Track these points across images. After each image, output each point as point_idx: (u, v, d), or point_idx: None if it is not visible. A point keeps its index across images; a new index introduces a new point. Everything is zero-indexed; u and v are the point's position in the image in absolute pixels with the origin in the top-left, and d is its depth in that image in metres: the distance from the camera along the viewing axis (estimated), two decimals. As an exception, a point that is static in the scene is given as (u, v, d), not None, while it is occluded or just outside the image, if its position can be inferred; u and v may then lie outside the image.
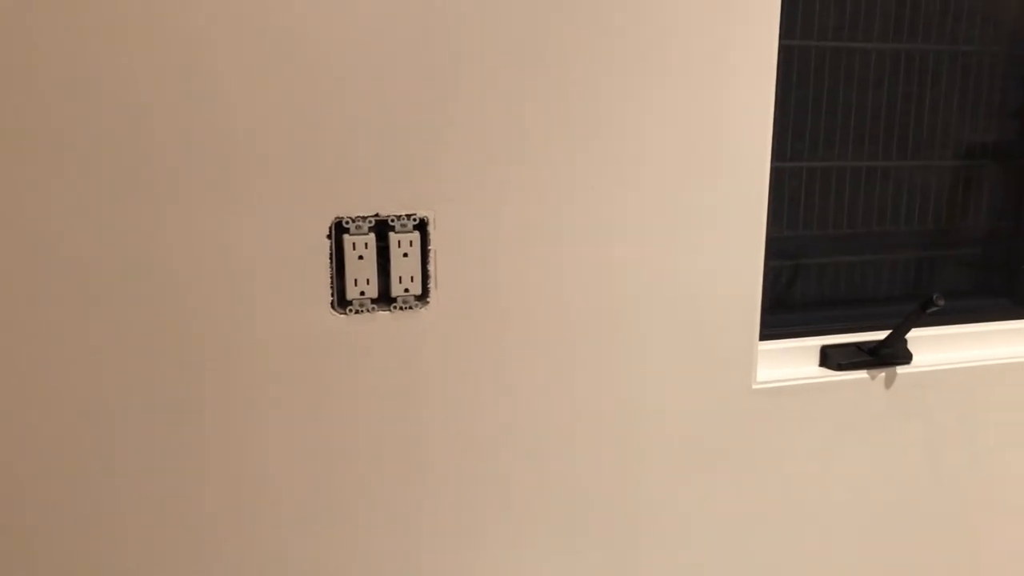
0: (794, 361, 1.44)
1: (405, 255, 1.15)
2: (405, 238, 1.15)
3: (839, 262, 1.53)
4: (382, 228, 1.15)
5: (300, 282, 1.12)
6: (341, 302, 1.15)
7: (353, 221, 1.12)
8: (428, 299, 1.18)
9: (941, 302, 1.35)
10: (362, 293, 1.15)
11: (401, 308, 1.17)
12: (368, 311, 1.16)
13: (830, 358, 1.43)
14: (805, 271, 1.52)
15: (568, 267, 1.23)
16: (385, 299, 1.17)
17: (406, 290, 1.16)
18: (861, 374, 1.42)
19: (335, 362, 1.15)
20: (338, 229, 1.13)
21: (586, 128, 1.18)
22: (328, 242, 1.12)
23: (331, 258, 1.13)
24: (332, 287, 1.14)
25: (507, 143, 1.16)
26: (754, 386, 1.37)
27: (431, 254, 1.16)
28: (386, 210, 1.14)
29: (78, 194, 1.02)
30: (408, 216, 1.14)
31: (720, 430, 1.36)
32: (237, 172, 1.07)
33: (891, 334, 1.41)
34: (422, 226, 1.15)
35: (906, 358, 1.43)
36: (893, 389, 1.43)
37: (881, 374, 1.42)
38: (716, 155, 1.25)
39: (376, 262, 1.14)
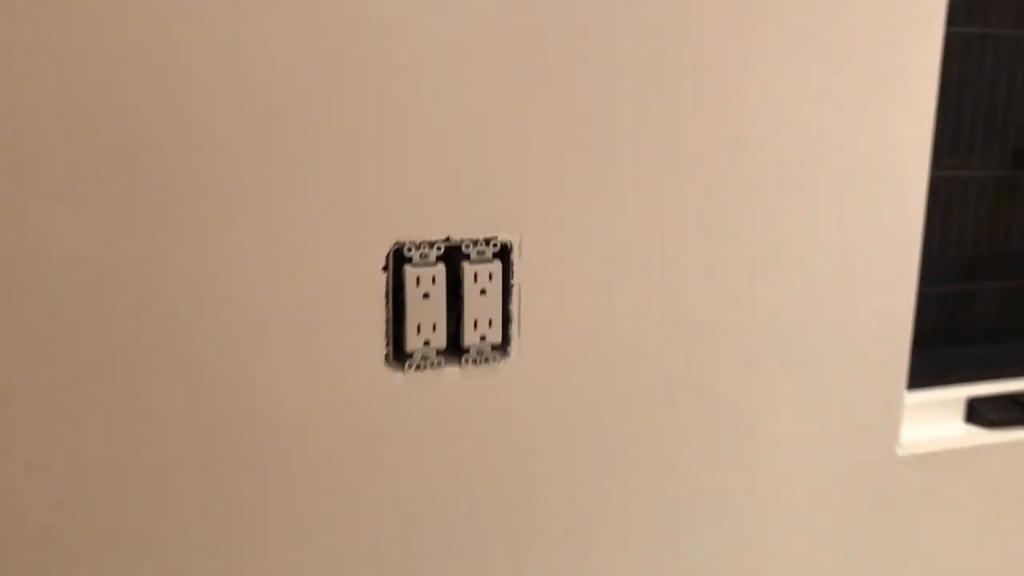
0: (934, 416, 1.18)
1: (483, 292, 0.87)
2: (483, 270, 0.87)
3: (976, 290, 1.27)
4: (453, 257, 0.87)
5: (345, 329, 0.84)
6: (398, 354, 0.87)
7: (417, 248, 0.85)
8: (509, 349, 0.90)
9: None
10: (426, 343, 0.87)
11: (475, 362, 0.89)
12: (432, 366, 0.88)
13: (979, 413, 1.17)
14: (934, 300, 1.26)
15: (684, 305, 0.96)
16: (455, 350, 0.89)
17: (482, 338, 0.88)
18: (1018, 434, 1.16)
19: (387, 434, 0.87)
20: (397, 258, 0.85)
21: (721, 136, 0.92)
22: (384, 275, 0.84)
23: (387, 297, 0.85)
24: (388, 335, 0.86)
25: (614, 150, 0.89)
26: (899, 452, 1.10)
27: (515, 290, 0.89)
28: (459, 233, 0.86)
29: (78, 221, 0.74)
30: (487, 241, 0.87)
31: (855, 507, 1.09)
32: (253, 180, 0.79)
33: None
34: (504, 254, 0.88)
35: (1069, 412, 1.17)
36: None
37: (1039, 433, 1.16)
38: (863, 162, 0.99)
39: (445, 301, 0.86)
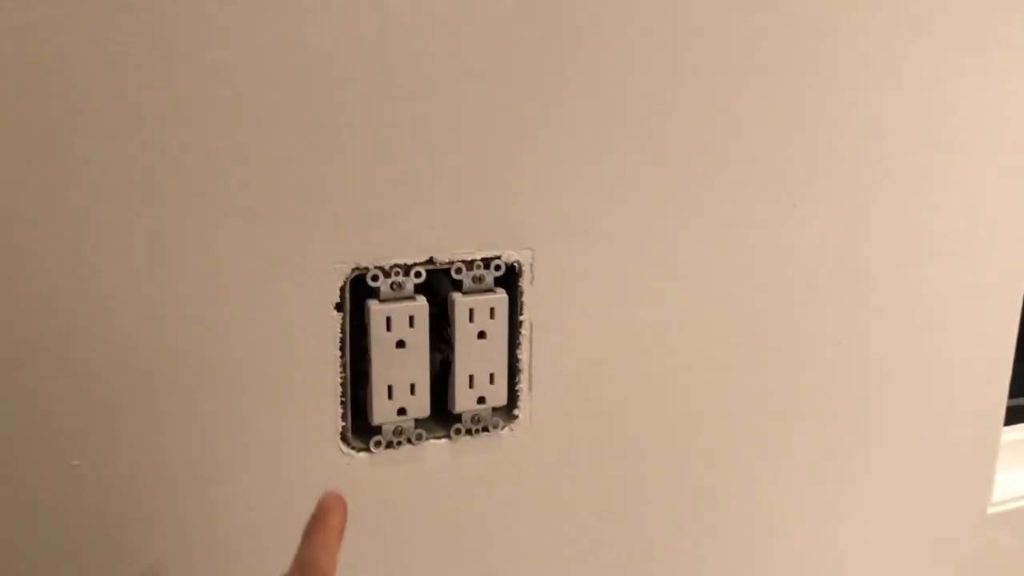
0: (1010, 457, 0.96)
1: (481, 335, 0.60)
2: (482, 304, 0.60)
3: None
4: (438, 285, 0.61)
5: (280, 398, 0.57)
6: (361, 429, 0.60)
7: (386, 274, 0.57)
8: (516, 413, 0.64)
9: None
10: (401, 411, 0.60)
11: (470, 432, 0.63)
12: (411, 442, 0.61)
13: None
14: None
15: (751, 348, 0.70)
16: (441, 416, 0.62)
17: (480, 399, 0.62)
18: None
19: (350, 539, 0.60)
20: (357, 290, 0.58)
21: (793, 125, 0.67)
22: (337, 317, 0.57)
23: (342, 347, 0.57)
24: (344, 403, 0.58)
25: (666, 138, 0.63)
26: (990, 510, 0.87)
27: (524, 330, 0.62)
28: (447, 251, 0.59)
29: None
30: (486, 262, 0.60)
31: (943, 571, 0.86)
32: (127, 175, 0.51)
33: None
34: (510, 279, 0.61)
35: None
36: None
37: None
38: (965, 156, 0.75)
39: (428, 350, 0.59)
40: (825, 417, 0.75)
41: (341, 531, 0.46)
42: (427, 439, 0.61)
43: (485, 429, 0.63)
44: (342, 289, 0.56)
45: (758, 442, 0.73)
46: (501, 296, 0.60)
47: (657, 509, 0.70)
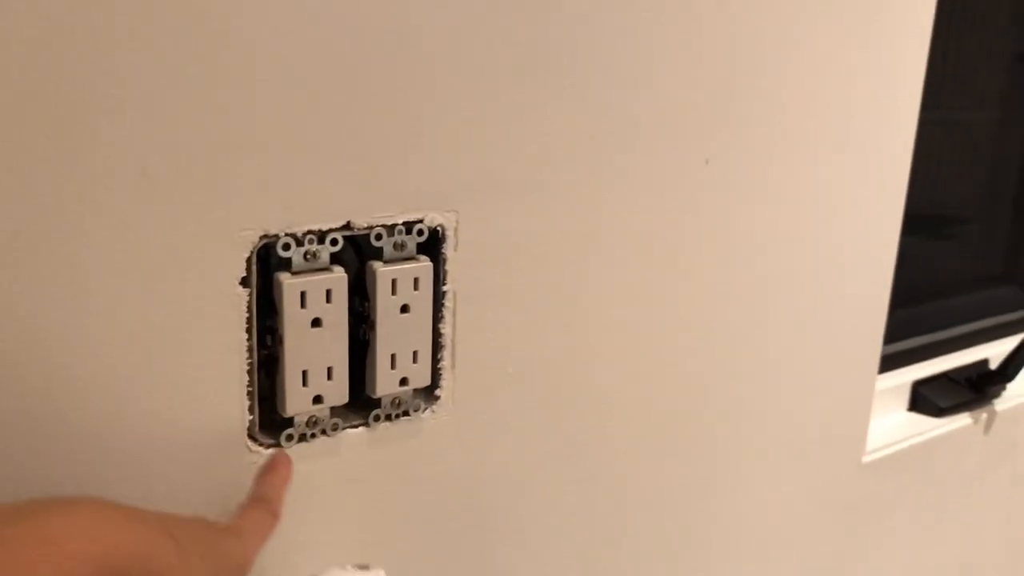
0: (881, 407, 1.00)
1: (404, 309, 0.54)
2: (405, 274, 0.53)
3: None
4: (351, 253, 0.53)
5: (178, 389, 0.48)
6: (270, 424, 0.52)
7: (299, 242, 0.49)
8: (439, 393, 0.58)
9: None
10: (317, 399, 0.52)
11: (390, 418, 0.56)
12: (326, 433, 0.53)
13: (925, 400, 1.01)
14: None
15: (672, 310, 0.68)
16: (360, 404, 0.55)
17: (403, 380, 0.55)
18: (963, 419, 1.01)
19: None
20: (265, 262, 0.50)
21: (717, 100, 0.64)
22: (244, 293, 0.48)
23: (248, 329, 0.49)
24: (251, 394, 0.50)
25: (602, 90, 0.58)
26: (864, 459, 0.91)
27: (448, 300, 0.56)
28: (364, 214, 0.52)
29: None
30: (407, 225, 0.53)
31: (822, 528, 0.89)
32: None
33: (1008, 360, 1.01)
34: (432, 244, 0.55)
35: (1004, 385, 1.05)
36: (997, 431, 1.05)
37: (983, 415, 1.03)
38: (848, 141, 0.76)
39: (347, 327, 0.52)
40: (706, 372, 0.74)
41: (288, 480, 0.50)
42: (343, 428, 0.54)
43: (406, 413, 0.56)
44: (248, 260, 0.48)
45: (667, 406, 0.71)
46: (426, 264, 0.54)
47: (580, 485, 0.67)
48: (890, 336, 1.05)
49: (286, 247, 0.49)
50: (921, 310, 1.11)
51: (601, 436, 0.67)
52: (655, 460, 0.71)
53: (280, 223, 0.48)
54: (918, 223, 1.09)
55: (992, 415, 1.03)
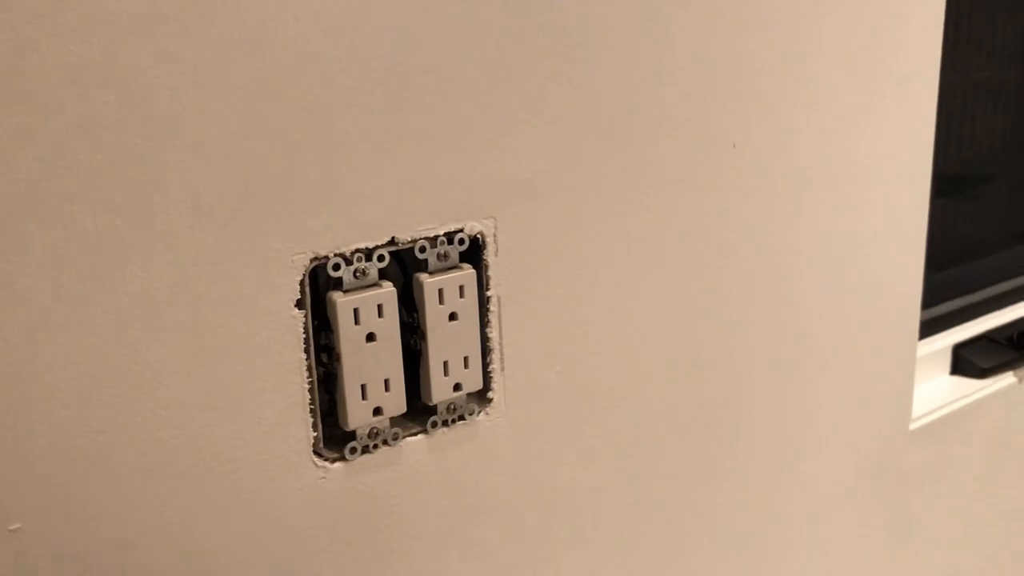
0: (923, 373, 1.00)
1: (452, 317, 0.55)
2: (450, 283, 0.55)
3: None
4: (400, 267, 0.55)
5: (241, 414, 0.49)
6: (333, 439, 0.54)
7: (348, 260, 0.51)
8: (491, 396, 0.59)
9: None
10: (377, 411, 0.54)
11: (447, 424, 0.57)
12: (388, 443, 0.55)
13: (966, 362, 1.01)
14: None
15: (705, 302, 0.69)
16: (417, 412, 0.57)
17: (456, 386, 0.57)
18: (1007, 378, 1.01)
19: (332, 558, 0.54)
20: (317, 283, 0.51)
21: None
22: (299, 314, 0.50)
23: (307, 348, 0.51)
24: (313, 411, 0.52)
25: (608, 97, 0.59)
26: (911, 425, 0.91)
27: (492, 305, 0.58)
28: (406, 229, 0.53)
29: None
30: (449, 236, 0.55)
31: (874, 497, 0.89)
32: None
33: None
34: (473, 252, 0.56)
35: (1046, 345, 1.04)
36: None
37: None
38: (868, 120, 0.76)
39: (399, 339, 0.54)
40: (747, 354, 0.75)
41: None
42: (404, 437, 0.56)
43: (462, 418, 0.58)
44: (302, 283, 0.50)
45: (710, 392, 0.72)
46: (469, 272, 0.55)
47: (636, 479, 0.68)
48: (928, 301, 1.05)
49: (336, 267, 0.50)
50: (957, 272, 1.11)
51: (646, 428, 0.68)
52: (700, 447, 0.72)
53: (329, 245, 0.50)
54: (948, 184, 1.09)
55: (1037, 371, 1.03)
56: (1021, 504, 1.08)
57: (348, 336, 0.51)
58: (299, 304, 0.50)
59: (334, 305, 0.50)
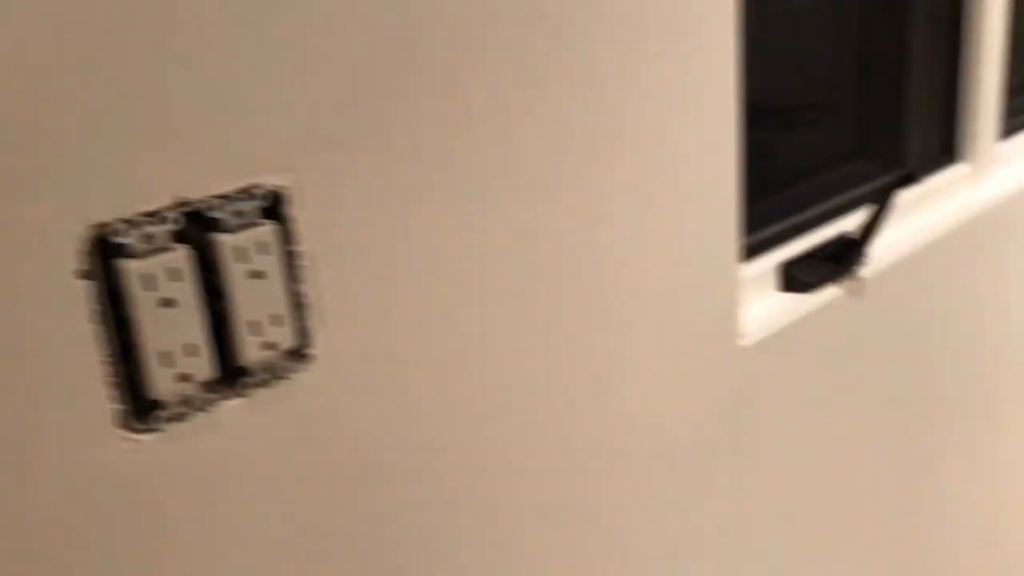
0: (752, 290, 1.05)
1: (256, 274, 0.54)
2: (249, 240, 0.54)
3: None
4: (195, 231, 0.53)
5: (38, 397, 0.47)
6: (139, 408, 0.52)
7: (135, 226, 0.49)
8: (311, 352, 0.58)
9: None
10: (185, 377, 0.52)
11: (264, 384, 0.57)
12: (200, 409, 0.54)
13: (793, 279, 1.07)
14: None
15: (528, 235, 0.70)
16: (229, 374, 0.55)
17: (269, 345, 0.56)
18: (834, 292, 1.07)
19: (147, 535, 0.53)
20: (103, 251, 0.49)
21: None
22: (84, 285, 0.48)
23: (101, 319, 0.49)
24: (116, 384, 0.50)
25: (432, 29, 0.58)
26: (743, 343, 0.96)
27: (304, 260, 0.57)
28: (197, 187, 0.52)
29: None
30: (247, 192, 0.53)
31: (710, 414, 0.94)
32: None
33: (865, 229, 1.07)
34: (276, 208, 0.55)
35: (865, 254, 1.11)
36: (867, 297, 1.11)
37: (851, 284, 1.09)
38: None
39: (200, 302, 0.52)
40: (581, 277, 0.77)
41: None
42: (218, 400, 0.55)
43: (280, 377, 0.57)
44: (84, 252, 0.47)
45: (539, 332, 0.73)
46: (268, 228, 0.54)
47: (465, 431, 0.69)
48: (756, 224, 1.10)
49: (118, 233, 0.48)
50: (782, 196, 1.16)
51: (470, 375, 0.69)
52: (523, 386, 0.74)
53: (110, 210, 0.48)
54: (769, 114, 1.14)
55: (859, 283, 1.09)
56: (857, 414, 1.15)
57: (140, 303, 0.49)
58: (85, 274, 0.48)
59: (119, 273, 0.49)
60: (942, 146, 1.34)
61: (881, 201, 1.05)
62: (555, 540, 0.80)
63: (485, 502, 0.72)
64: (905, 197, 1.24)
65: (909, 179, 1.02)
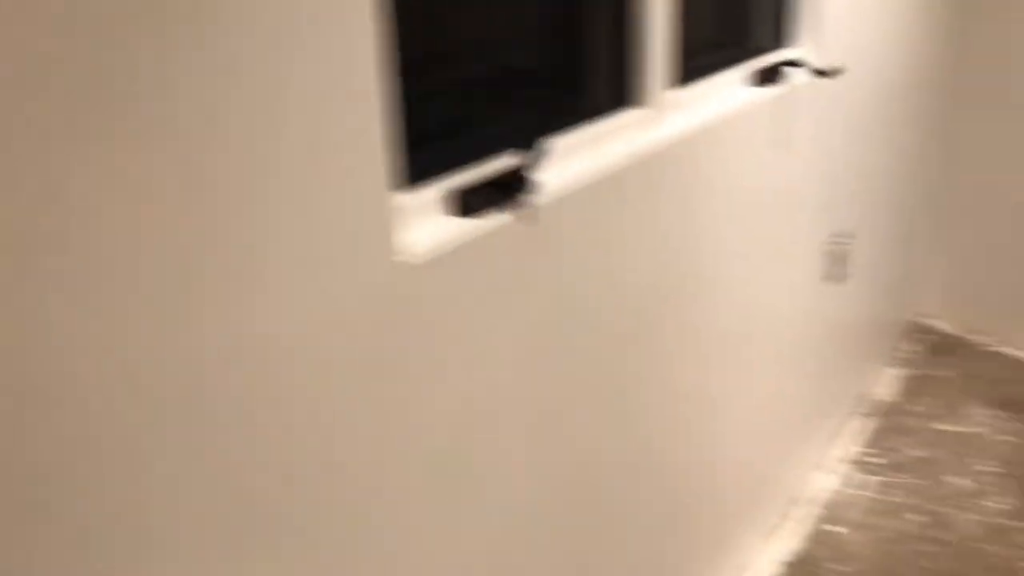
0: (421, 216, 1.07)
1: None
2: None
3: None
4: None
5: None
6: None
7: None
8: None
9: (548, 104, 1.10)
10: None
11: None
12: None
13: (464, 204, 1.10)
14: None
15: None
16: None
17: None
18: (504, 219, 1.12)
19: None
20: None
21: None
22: None
23: None
24: None
25: None
26: (398, 259, 0.97)
27: None
28: None
29: None
30: None
31: (366, 327, 0.95)
32: None
33: (529, 161, 1.12)
34: None
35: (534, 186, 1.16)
36: (537, 226, 1.17)
37: (522, 211, 1.14)
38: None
39: None
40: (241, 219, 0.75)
41: None
42: None
43: None
44: None
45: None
46: None
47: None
48: (435, 154, 1.12)
49: None
50: (462, 132, 1.19)
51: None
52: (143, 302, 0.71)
53: None
54: (450, 57, 1.17)
55: (530, 211, 1.15)
56: (531, 336, 1.21)
57: None
58: None
59: None
60: (618, 92, 1.44)
61: (543, 137, 1.11)
62: (196, 461, 0.78)
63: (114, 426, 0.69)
64: (582, 136, 1.32)
65: (582, 115, 1.08)
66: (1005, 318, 3.02)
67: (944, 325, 3.18)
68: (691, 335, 1.64)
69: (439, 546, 1.11)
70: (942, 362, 2.98)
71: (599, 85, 1.43)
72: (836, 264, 2.21)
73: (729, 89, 1.68)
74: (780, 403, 2.20)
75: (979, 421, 2.67)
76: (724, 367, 1.82)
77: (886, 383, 2.86)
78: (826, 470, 2.48)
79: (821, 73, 1.74)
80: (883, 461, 2.52)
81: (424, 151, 1.08)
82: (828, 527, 2.29)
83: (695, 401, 1.73)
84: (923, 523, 2.28)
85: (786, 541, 2.24)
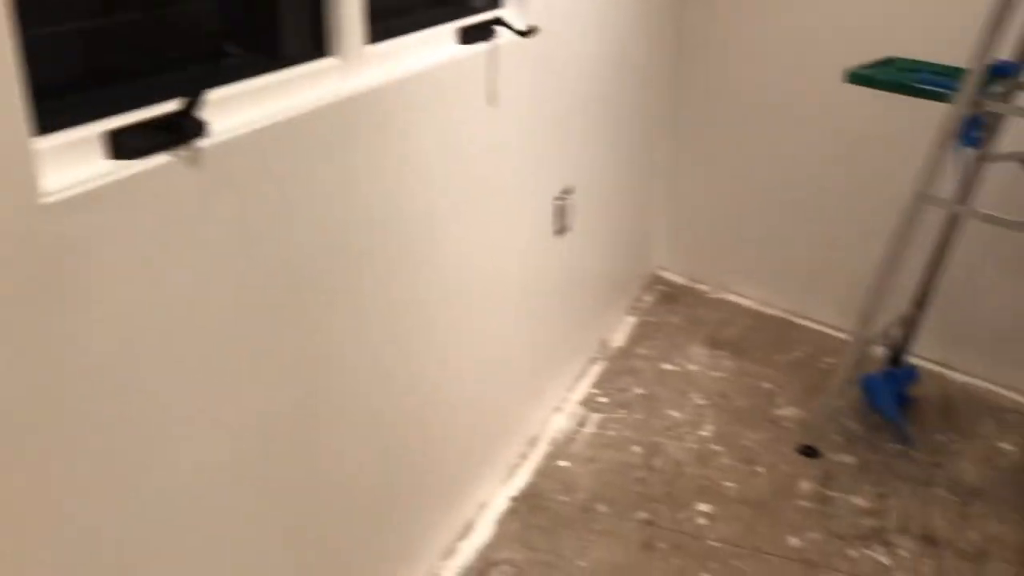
0: (77, 157, 1.05)
1: None
2: None
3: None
4: None
5: None
6: None
7: None
8: None
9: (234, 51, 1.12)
10: None
11: None
12: None
13: (125, 146, 1.09)
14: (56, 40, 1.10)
15: None
16: None
17: None
18: (164, 158, 1.11)
19: None
20: None
21: None
22: None
23: None
24: None
25: None
26: (44, 200, 0.95)
27: None
28: None
29: None
30: None
31: (7, 271, 0.93)
32: None
33: (187, 102, 1.12)
34: None
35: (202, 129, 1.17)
36: (207, 168, 1.17)
37: (188, 153, 1.14)
38: None
39: None
40: None
41: None
42: None
43: None
44: None
45: None
46: None
47: None
48: (92, 100, 1.10)
49: None
50: (130, 70, 1.18)
51: None
52: None
53: None
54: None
55: (195, 152, 1.15)
56: (191, 285, 1.22)
57: None
58: None
59: None
60: (314, 43, 1.46)
61: (217, 82, 1.11)
62: None
63: None
64: (269, 82, 1.33)
65: (271, 63, 1.10)
66: (723, 268, 3.33)
67: (674, 276, 3.47)
68: (401, 285, 1.70)
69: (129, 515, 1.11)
70: (670, 309, 3.25)
71: (291, 33, 1.44)
72: (557, 218, 2.36)
73: (434, 45, 1.74)
74: (519, 350, 2.32)
75: (697, 360, 2.95)
76: (449, 321, 1.90)
77: (622, 330, 3.08)
78: (563, 412, 2.65)
79: (521, 33, 1.84)
80: (609, 400, 2.73)
81: (81, 94, 1.06)
82: (557, 463, 2.46)
83: (418, 351, 1.80)
84: (642, 453, 2.50)
85: (522, 478, 2.38)
